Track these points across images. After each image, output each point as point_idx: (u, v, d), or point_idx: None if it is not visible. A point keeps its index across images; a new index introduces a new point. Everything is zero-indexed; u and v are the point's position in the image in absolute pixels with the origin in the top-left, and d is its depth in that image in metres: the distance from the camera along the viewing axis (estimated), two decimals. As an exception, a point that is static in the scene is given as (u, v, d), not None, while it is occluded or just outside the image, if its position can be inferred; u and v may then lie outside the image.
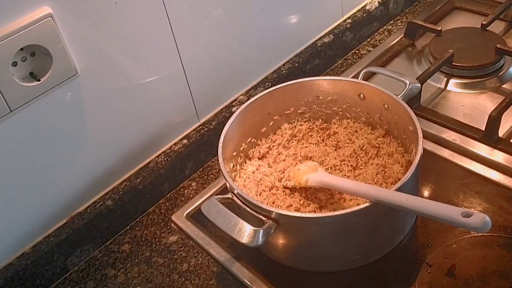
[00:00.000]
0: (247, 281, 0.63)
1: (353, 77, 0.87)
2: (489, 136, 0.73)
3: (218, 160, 0.64)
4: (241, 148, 0.72)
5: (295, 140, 0.75)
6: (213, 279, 0.67)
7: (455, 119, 0.78)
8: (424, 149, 0.64)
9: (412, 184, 0.59)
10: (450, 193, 0.69)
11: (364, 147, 0.70)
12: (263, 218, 0.58)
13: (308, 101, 0.75)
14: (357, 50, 1.00)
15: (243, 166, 0.72)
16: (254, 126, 0.73)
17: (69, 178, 0.69)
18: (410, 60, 0.94)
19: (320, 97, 0.74)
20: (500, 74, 0.85)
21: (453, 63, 0.85)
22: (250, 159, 0.73)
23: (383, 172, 0.66)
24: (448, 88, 0.85)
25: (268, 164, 0.72)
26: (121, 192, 0.74)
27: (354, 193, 0.61)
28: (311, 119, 0.77)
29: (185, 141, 0.80)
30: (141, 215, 0.78)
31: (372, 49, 0.99)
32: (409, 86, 0.72)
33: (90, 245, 0.72)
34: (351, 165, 0.68)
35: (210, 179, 0.81)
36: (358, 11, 1.00)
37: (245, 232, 0.56)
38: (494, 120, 0.72)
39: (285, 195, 0.66)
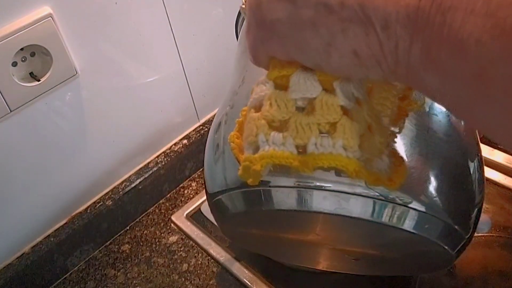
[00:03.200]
0: (247, 281, 0.63)
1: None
2: (489, 136, 0.73)
3: (218, 160, 0.64)
4: (241, 148, 0.72)
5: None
6: (213, 279, 0.67)
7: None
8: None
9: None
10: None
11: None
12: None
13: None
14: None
15: (243, 166, 0.72)
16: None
17: (69, 178, 0.69)
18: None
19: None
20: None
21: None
22: (250, 159, 0.73)
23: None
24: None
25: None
26: (121, 192, 0.74)
27: None
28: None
29: (185, 141, 0.80)
30: (141, 215, 0.78)
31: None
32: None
33: (90, 245, 0.72)
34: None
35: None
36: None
37: (245, 232, 0.56)
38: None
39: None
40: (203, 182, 0.81)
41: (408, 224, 0.36)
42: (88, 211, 0.72)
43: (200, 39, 0.76)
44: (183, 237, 0.73)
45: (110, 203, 0.73)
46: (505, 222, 0.64)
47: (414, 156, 0.37)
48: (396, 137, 0.34)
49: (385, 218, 0.36)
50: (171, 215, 0.76)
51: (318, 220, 0.40)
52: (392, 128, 0.34)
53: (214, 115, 0.84)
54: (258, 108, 0.32)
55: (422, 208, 0.36)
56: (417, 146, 0.38)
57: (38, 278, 0.68)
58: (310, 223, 0.42)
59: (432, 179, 0.38)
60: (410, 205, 0.36)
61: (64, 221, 0.71)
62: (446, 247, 0.38)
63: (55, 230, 0.70)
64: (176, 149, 0.79)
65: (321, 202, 0.36)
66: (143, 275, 0.69)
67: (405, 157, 0.36)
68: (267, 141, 0.31)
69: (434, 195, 0.37)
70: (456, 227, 0.38)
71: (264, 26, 0.28)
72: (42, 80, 0.59)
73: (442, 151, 0.40)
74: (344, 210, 0.36)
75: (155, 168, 0.77)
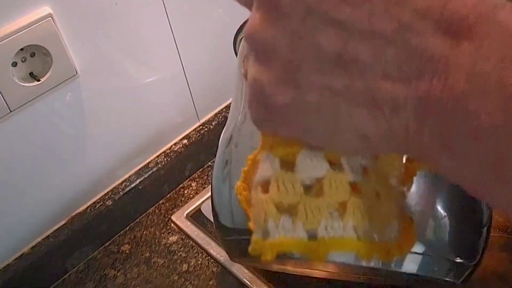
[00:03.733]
0: (247, 281, 0.63)
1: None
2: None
3: (218, 160, 0.64)
4: (241, 149, 0.72)
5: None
6: (213, 279, 0.67)
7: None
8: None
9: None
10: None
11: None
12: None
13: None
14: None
15: (243, 166, 0.72)
16: (254, 127, 0.73)
17: (69, 178, 0.69)
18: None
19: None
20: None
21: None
22: (250, 159, 0.73)
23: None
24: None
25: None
26: (121, 193, 0.74)
27: None
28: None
29: (185, 141, 0.80)
30: (141, 216, 0.77)
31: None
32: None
33: (89, 246, 0.72)
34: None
35: (210, 179, 0.81)
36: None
37: (245, 233, 0.57)
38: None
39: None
40: (203, 182, 0.81)
41: (414, 268, 0.36)
42: (87, 211, 0.72)
43: (200, 40, 0.76)
44: (183, 237, 0.73)
45: (110, 203, 0.73)
46: (504, 222, 0.64)
47: (419, 197, 0.37)
48: (405, 197, 0.33)
49: (392, 264, 0.36)
50: (171, 215, 0.76)
51: (326, 264, 0.40)
52: (401, 188, 0.33)
53: (214, 115, 0.84)
54: (265, 186, 0.32)
55: (429, 251, 0.36)
56: (423, 186, 0.37)
57: (37, 280, 0.68)
58: (318, 265, 0.42)
59: (438, 218, 0.37)
60: (416, 251, 0.36)
61: (63, 222, 0.71)
62: (453, 280, 0.38)
63: (54, 231, 0.70)
64: (176, 149, 0.79)
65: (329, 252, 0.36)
66: (142, 275, 0.69)
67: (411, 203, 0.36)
68: (276, 227, 0.30)
69: (440, 235, 0.37)
70: (462, 261, 0.38)
71: (267, 109, 0.27)
72: (42, 80, 0.59)
73: (448, 188, 0.39)
74: (354, 260, 0.35)
75: (155, 168, 0.77)
